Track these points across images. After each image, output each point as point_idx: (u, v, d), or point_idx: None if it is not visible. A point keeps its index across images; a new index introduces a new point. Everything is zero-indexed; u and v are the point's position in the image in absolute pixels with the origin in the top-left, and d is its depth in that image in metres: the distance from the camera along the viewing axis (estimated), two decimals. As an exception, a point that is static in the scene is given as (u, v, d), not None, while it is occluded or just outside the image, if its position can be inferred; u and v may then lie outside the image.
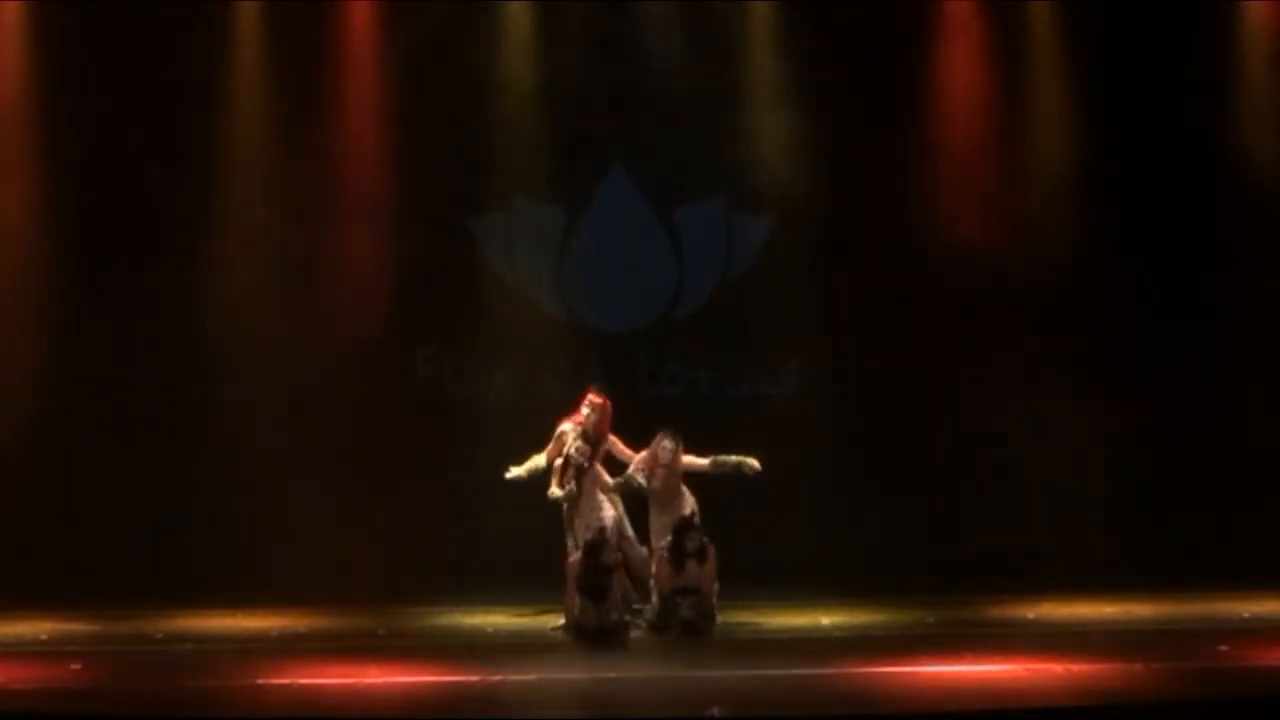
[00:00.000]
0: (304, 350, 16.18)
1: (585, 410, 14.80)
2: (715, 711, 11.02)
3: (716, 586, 14.25)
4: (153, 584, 15.56)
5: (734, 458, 14.78)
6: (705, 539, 14.22)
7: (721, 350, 16.56)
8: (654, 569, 14.32)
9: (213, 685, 12.25)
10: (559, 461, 14.71)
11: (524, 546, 15.36)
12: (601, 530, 14.23)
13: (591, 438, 14.70)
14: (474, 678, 12.38)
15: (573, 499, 14.61)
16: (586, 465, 14.62)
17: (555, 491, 14.67)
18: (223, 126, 16.29)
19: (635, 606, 14.41)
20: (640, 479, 14.73)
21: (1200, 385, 16.27)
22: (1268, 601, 14.67)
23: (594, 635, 13.89)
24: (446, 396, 16.56)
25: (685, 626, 14.03)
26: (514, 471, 14.76)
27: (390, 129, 16.44)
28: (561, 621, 14.22)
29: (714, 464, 14.78)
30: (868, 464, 16.19)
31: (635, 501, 14.93)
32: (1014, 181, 16.49)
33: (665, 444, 14.71)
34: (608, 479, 14.78)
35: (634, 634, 14.09)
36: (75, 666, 12.83)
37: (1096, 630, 13.96)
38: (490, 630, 14.46)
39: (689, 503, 14.66)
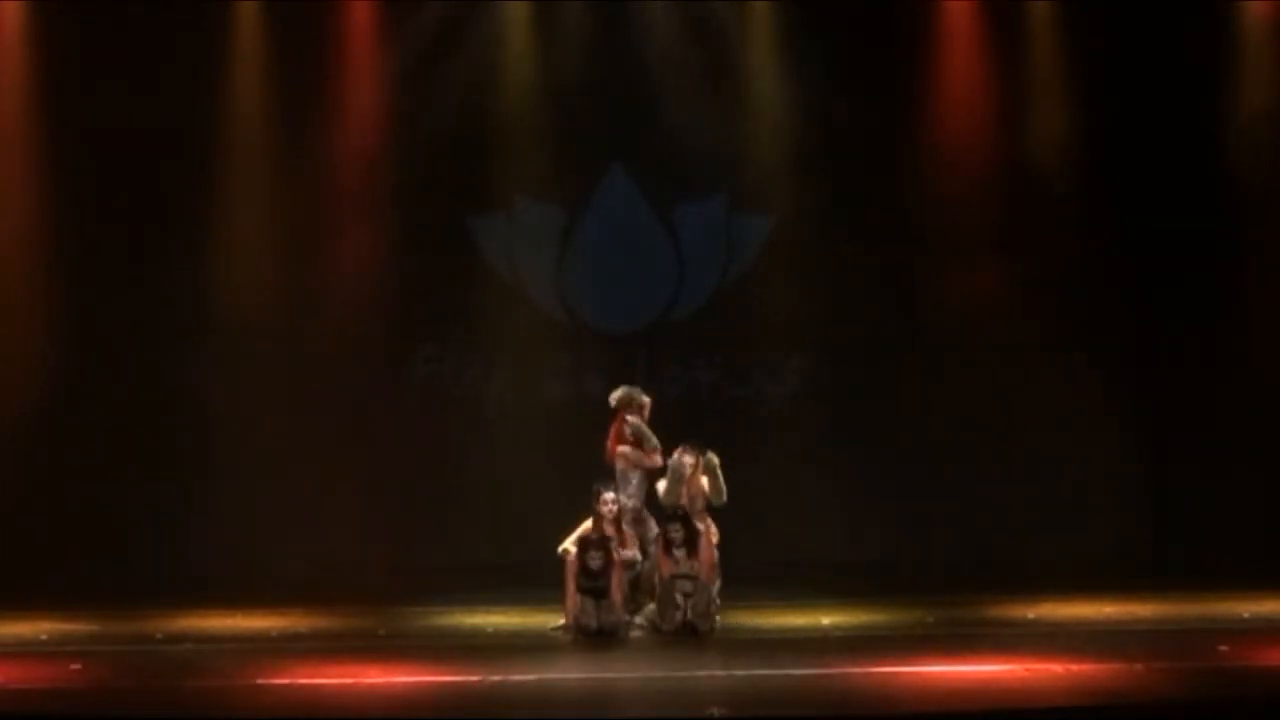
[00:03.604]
0: (304, 350, 16.19)
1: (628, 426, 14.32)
2: (715, 711, 11.00)
3: (718, 582, 14.17)
4: (152, 584, 15.57)
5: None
6: (692, 529, 14.01)
7: (721, 350, 16.56)
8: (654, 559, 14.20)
9: (213, 685, 12.22)
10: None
11: (524, 546, 15.34)
12: (593, 534, 14.12)
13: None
14: (474, 678, 12.36)
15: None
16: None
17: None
18: (223, 126, 16.31)
19: (633, 607, 14.36)
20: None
21: (1201, 385, 16.28)
22: (1268, 601, 14.65)
23: (594, 635, 13.87)
24: (446, 396, 16.56)
25: (685, 626, 14.00)
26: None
27: (390, 129, 16.45)
28: (561, 621, 14.20)
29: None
30: (868, 463, 16.19)
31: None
32: (1013, 181, 16.48)
33: (685, 459, 14.09)
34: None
35: (634, 634, 14.07)
36: (75, 666, 12.81)
37: (1096, 630, 13.94)
38: (490, 630, 14.44)
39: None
